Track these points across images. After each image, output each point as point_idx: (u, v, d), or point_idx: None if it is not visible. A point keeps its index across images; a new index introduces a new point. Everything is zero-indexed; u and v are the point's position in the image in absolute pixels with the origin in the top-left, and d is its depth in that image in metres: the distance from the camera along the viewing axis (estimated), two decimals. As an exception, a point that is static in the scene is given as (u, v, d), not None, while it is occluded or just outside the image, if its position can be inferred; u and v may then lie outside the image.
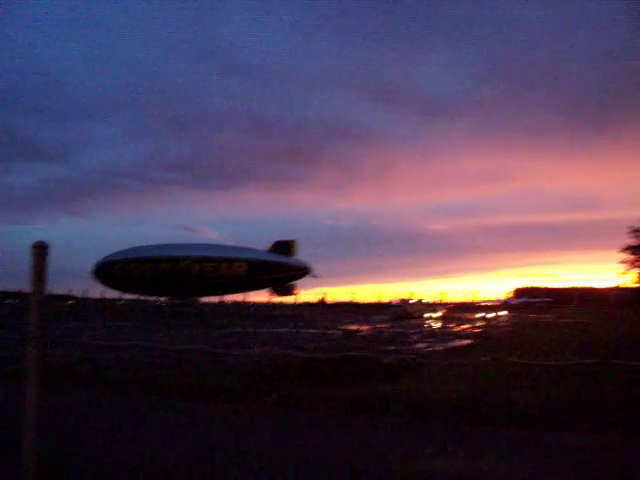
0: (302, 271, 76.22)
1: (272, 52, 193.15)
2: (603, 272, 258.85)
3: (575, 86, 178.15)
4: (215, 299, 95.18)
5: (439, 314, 71.06)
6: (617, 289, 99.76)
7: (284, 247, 76.13)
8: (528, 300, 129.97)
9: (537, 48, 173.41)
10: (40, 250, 5.01)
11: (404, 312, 68.12)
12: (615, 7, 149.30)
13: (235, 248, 75.92)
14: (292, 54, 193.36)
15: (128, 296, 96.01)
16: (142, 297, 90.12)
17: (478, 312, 79.51)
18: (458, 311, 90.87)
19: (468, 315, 73.57)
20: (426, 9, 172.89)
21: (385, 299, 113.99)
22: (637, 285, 73.65)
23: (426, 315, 68.15)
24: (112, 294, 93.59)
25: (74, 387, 12.22)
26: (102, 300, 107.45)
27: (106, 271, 73.48)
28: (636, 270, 68.28)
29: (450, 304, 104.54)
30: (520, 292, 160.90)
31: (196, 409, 9.96)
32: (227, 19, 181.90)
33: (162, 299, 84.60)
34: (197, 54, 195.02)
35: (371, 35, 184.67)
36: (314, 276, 77.02)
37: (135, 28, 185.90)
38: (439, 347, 25.55)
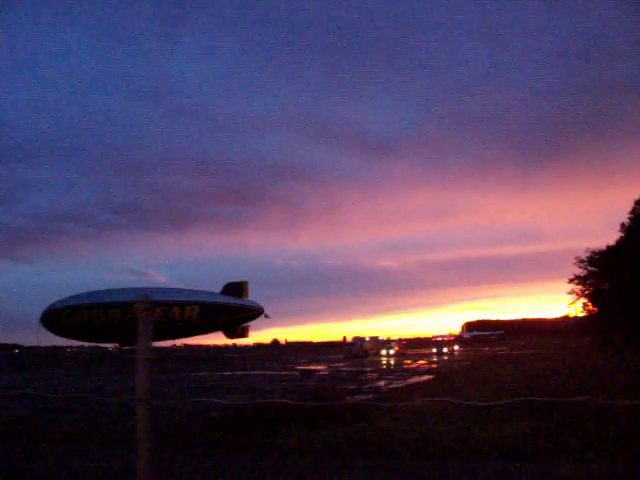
0: (255, 312, 75.45)
1: (218, 94, 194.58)
2: (549, 302, 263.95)
3: (519, 123, 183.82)
4: (167, 343, 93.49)
5: (393, 351, 71.12)
6: (566, 319, 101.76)
7: (236, 289, 75.42)
8: (480, 333, 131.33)
9: (480, 87, 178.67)
10: (146, 306, 4.52)
11: (360, 350, 68.02)
12: (557, 46, 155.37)
13: (187, 291, 74.76)
14: (239, 96, 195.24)
15: (76, 343, 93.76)
16: (89, 344, 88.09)
17: (432, 347, 79.91)
18: (412, 347, 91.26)
19: (423, 351, 73.86)
20: (368, 51, 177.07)
21: (337, 338, 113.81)
22: (584, 314, 75.14)
23: (382, 352, 68.12)
24: (60, 341, 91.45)
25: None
26: (52, 348, 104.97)
27: (54, 318, 71.40)
28: (583, 300, 69.73)
29: (404, 340, 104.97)
30: (470, 326, 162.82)
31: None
32: (173, 62, 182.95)
33: (110, 346, 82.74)
34: (142, 97, 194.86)
35: (316, 77, 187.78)
36: (266, 316, 76.37)
37: (79, 73, 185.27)
38: (399, 384, 25.50)
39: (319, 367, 41.78)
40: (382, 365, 45.08)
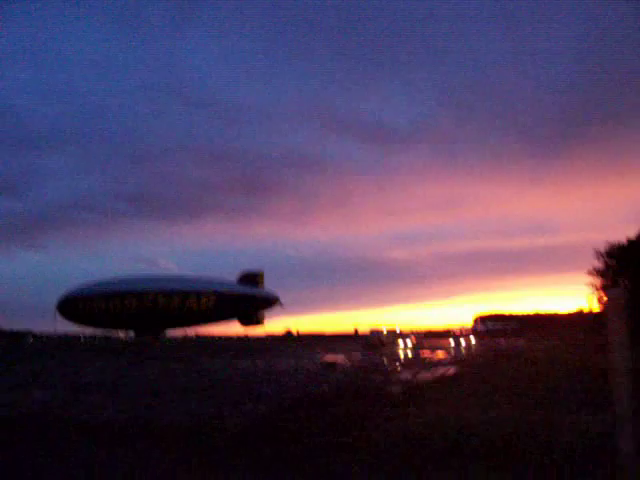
0: (271, 302, 75.65)
1: (229, 84, 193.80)
2: (562, 295, 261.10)
3: (531, 115, 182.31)
4: (180, 332, 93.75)
5: (410, 342, 70.89)
6: (580, 313, 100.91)
7: (252, 278, 75.50)
8: (493, 327, 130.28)
9: (494, 78, 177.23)
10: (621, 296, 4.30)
11: (378, 341, 67.83)
12: (570, 38, 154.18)
13: (203, 280, 74.68)
14: (249, 86, 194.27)
15: (88, 331, 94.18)
16: (104, 332, 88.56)
17: (447, 339, 79.71)
18: (427, 338, 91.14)
19: (438, 342, 73.62)
20: (379, 40, 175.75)
21: (348, 327, 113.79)
22: (600, 310, 74.29)
23: (399, 344, 67.90)
24: (74, 329, 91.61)
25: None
26: (65, 336, 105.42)
27: (71, 306, 71.38)
28: (600, 294, 68.85)
29: (419, 332, 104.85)
30: (482, 318, 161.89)
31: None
32: (186, 51, 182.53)
33: (123, 334, 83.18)
34: (155, 86, 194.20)
35: (327, 66, 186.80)
36: (281, 305, 76.56)
37: (92, 60, 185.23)
38: (429, 376, 25.33)
39: (339, 359, 41.53)
40: (402, 357, 44.94)
